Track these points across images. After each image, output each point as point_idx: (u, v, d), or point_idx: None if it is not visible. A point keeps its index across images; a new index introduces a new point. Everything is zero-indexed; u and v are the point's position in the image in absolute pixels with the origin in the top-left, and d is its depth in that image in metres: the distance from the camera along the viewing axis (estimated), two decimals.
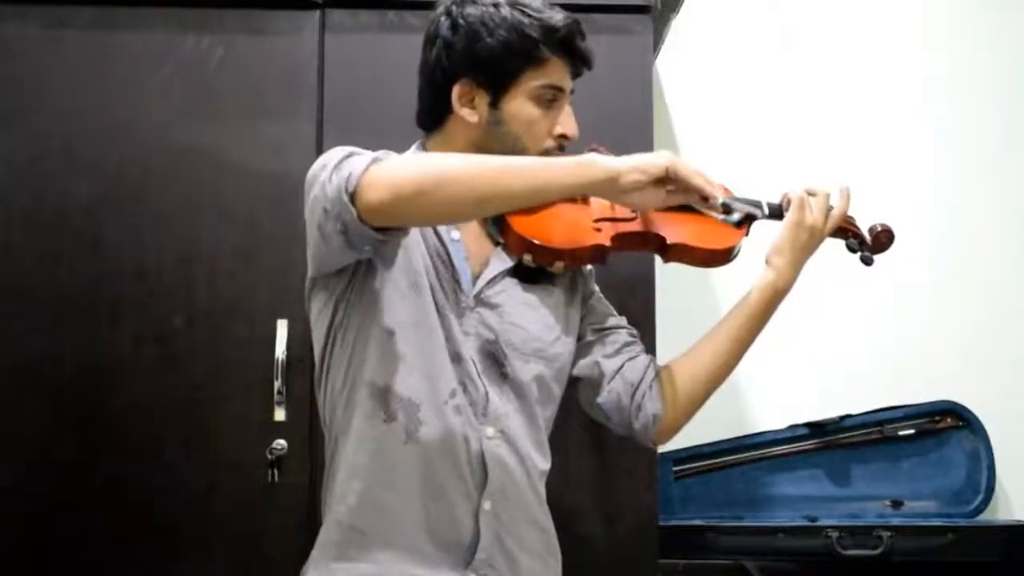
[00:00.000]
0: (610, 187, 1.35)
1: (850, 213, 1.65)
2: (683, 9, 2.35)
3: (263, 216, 2.06)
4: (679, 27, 2.44)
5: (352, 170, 1.30)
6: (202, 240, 2.07)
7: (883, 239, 1.66)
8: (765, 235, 1.59)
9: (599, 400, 1.57)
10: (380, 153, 1.35)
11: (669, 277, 2.02)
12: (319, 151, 2.05)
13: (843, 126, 2.83)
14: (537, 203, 1.41)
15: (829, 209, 1.56)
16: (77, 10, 2.11)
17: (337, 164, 1.33)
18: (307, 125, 2.10)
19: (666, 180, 1.37)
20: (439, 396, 1.41)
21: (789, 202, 1.57)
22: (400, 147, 1.54)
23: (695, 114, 2.82)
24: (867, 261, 1.67)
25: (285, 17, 2.13)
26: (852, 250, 1.67)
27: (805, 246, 1.54)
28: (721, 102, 2.82)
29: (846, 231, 1.64)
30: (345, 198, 1.29)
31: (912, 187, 2.81)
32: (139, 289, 2.05)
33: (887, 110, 2.85)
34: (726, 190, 1.65)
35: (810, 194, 1.56)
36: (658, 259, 1.58)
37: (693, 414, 1.58)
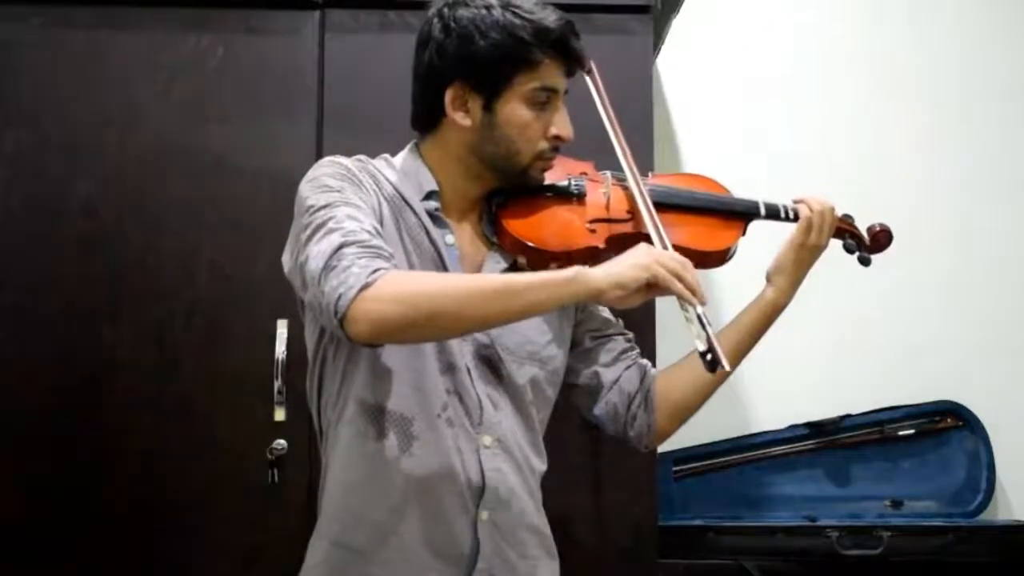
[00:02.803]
0: (596, 300, 1.40)
1: (849, 213, 1.65)
2: (683, 9, 2.35)
3: (263, 216, 2.06)
4: (679, 27, 2.44)
5: (342, 292, 1.27)
6: (202, 240, 2.07)
7: (882, 239, 1.66)
8: (769, 239, 1.59)
9: (595, 411, 1.58)
10: (375, 239, 1.33)
11: None
12: (319, 151, 2.06)
13: (843, 125, 2.83)
14: (528, 318, 1.44)
15: (834, 223, 1.59)
16: (77, 10, 2.11)
17: (326, 267, 1.29)
18: (307, 125, 2.10)
19: (649, 287, 1.35)
20: (432, 409, 1.40)
21: (796, 213, 1.59)
22: (399, 147, 1.54)
23: (695, 114, 2.82)
24: (864, 262, 1.67)
25: (285, 17, 2.13)
26: (849, 250, 1.66)
27: (808, 264, 1.59)
28: (721, 102, 2.82)
29: (843, 231, 1.64)
30: (334, 321, 1.28)
31: (912, 186, 2.81)
32: (139, 289, 2.05)
33: (887, 109, 2.85)
34: (723, 189, 1.65)
35: (818, 204, 1.58)
36: None
37: (686, 421, 1.60)
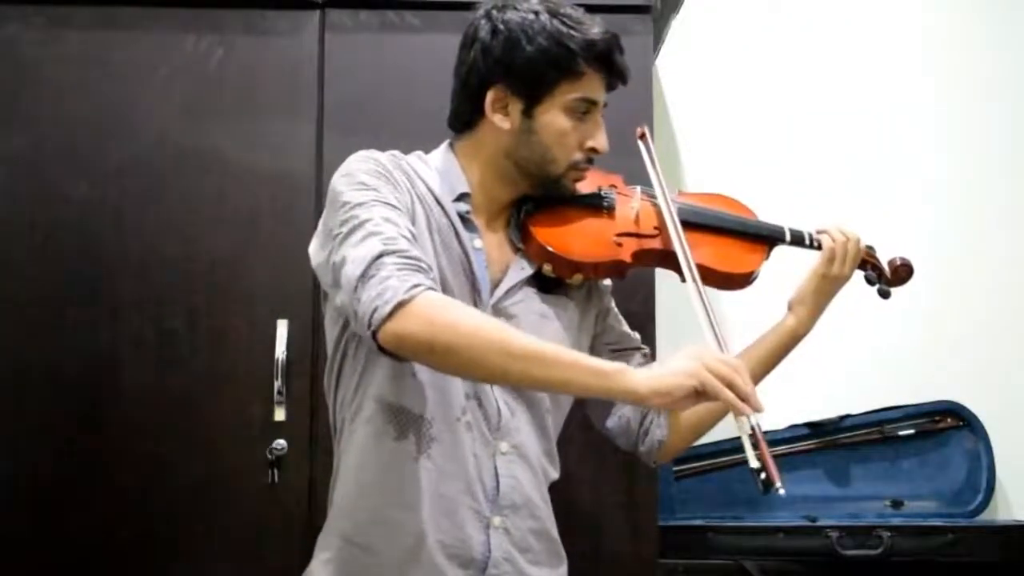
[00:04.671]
0: (633, 403, 1.43)
1: (872, 244, 1.65)
2: (683, 9, 2.35)
3: (263, 216, 2.06)
4: (679, 27, 2.44)
5: (379, 305, 1.26)
6: (202, 240, 2.07)
7: (902, 273, 1.68)
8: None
9: (609, 424, 1.59)
10: (414, 249, 1.32)
11: (670, 278, 2.01)
12: (319, 151, 2.06)
13: (843, 126, 2.83)
14: (548, 391, 1.44)
15: (859, 255, 1.60)
16: (77, 10, 2.11)
17: (364, 275, 1.29)
18: (307, 125, 2.10)
19: (698, 393, 1.30)
20: (451, 412, 1.41)
21: (819, 243, 1.59)
22: (399, 146, 1.53)
23: (695, 114, 2.81)
24: (884, 294, 1.69)
25: (285, 17, 2.13)
26: (870, 282, 1.68)
27: (830, 294, 1.61)
28: (721, 102, 2.82)
29: (866, 263, 1.65)
30: (367, 332, 1.28)
31: (912, 186, 2.80)
32: (139, 289, 2.05)
33: (887, 110, 2.84)
34: (749, 212, 1.65)
35: (842, 235, 1.59)
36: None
37: (697, 439, 1.61)
